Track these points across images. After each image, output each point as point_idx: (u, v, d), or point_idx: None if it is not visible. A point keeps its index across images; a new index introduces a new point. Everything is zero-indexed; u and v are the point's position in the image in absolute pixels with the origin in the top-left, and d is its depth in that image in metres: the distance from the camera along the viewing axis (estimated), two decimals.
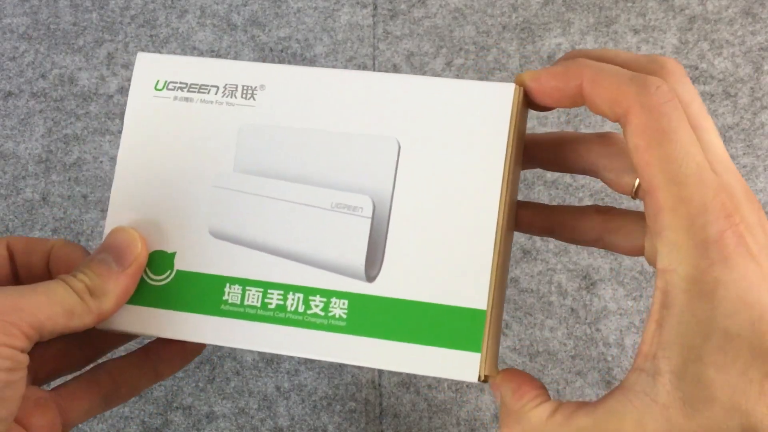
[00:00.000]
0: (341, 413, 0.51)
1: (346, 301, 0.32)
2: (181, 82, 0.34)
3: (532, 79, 0.29)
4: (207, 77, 0.34)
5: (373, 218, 0.32)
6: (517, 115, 0.30)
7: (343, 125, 0.33)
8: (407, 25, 0.57)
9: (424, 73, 0.56)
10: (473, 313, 0.31)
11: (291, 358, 0.49)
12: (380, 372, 0.52)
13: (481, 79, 0.56)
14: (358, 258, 0.32)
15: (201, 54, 0.58)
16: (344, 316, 0.32)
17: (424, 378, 0.52)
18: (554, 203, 0.54)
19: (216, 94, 0.33)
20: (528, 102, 0.30)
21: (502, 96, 0.31)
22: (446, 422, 0.51)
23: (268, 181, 0.33)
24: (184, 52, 0.58)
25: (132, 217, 0.33)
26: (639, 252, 0.30)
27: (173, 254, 0.33)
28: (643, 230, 0.30)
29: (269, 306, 0.32)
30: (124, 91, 0.58)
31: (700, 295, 0.23)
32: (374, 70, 0.56)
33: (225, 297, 0.33)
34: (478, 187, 0.31)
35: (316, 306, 0.32)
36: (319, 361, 0.50)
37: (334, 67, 0.56)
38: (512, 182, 0.31)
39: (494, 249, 0.31)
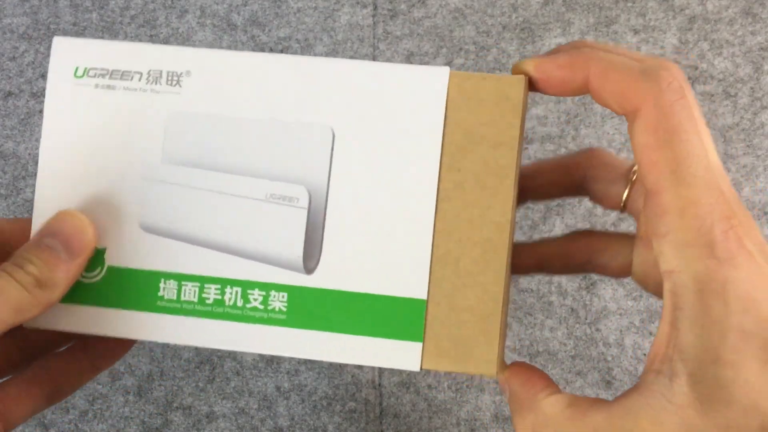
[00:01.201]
0: (341, 413, 0.51)
1: (286, 294, 0.31)
2: (102, 68, 0.32)
3: (536, 70, 0.28)
4: (129, 63, 0.32)
5: (309, 209, 0.32)
6: (523, 105, 0.29)
7: (275, 112, 0.32)
8: (407, 25, 0.57)
9: None
10: (413, 303, 0.31)
11: (291, 358, 0.49)
12: (380, 372, 0.52)
13: None
14: (295, 250, 0.31)
15: None
16: (284, 309, 0.32)
17: (424, 378, 0.52)
18: (546, 211, 0.54)
19: (140, 81, 0.32)
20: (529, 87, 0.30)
21: (437, 80, 0.30)
22: (446, 422, 0.51)
23: (198, 171, 0.32)
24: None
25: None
26: (626, 272, 0.31)
27: (104, 250, 0.32)
28: (629, 249, 0.30)
29: (207, 301, 0.32)
30: None
31: (712, 295, 0.23)
32: None
33: (161, 293, 0.32)
34: (415, 174, 0.31)
35: (255, 300, 0.32)
36: (320, 361, 0.50)
37: None
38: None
39: (432, 238, 0.30)
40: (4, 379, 0.32)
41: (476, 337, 0.30)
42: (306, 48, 0.56)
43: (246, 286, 0.32)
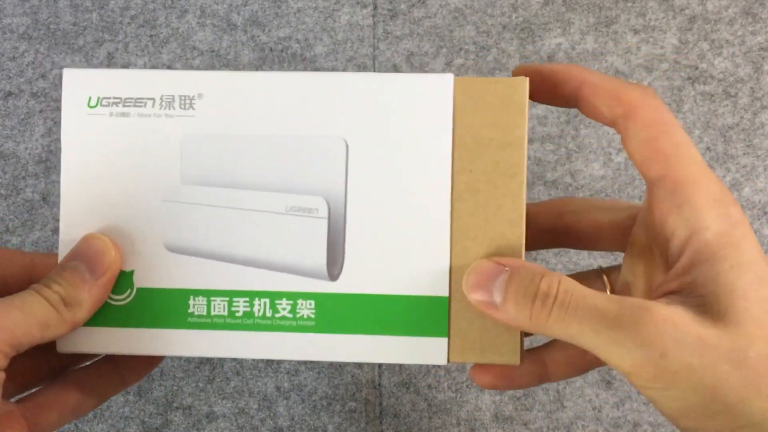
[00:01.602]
0: (341, 413, 0.51)
1: (313, 302, 0.33)
2: (114, 97, 0.33)
3: (534, 72, 0.31)
4: (141, 90, 0.33)
5: (329, 218, 0.33)
6: (527, 105, 0.31)
7: (288, 128, 0.33)
8: (407, 25, 0.57)
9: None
10: (437, 301, 0.32)
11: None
12: (380, 372, 0.52)
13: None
14: (319, 259, 0.32)
15: (201, 54, 0.58)
16: (312, 316, 0.33)
17: (425, 378, 0.52)
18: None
19: (153, 106, 0.33)
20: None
21: (443, 87, 0.32)
22: (446, 422, 0.51)
23: (218, 190, 0.33)
24: (184, 52, 0.58)
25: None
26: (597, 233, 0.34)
27: (131, 272, 0.33)
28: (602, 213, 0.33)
29: (236, 314, 0.33)
30: None
31: (737, 245, 0.26)
32: (374, 70, 0.56)
33: (190, 309, 0.33)
34: (429, 177, 0.32)
35: (284, 309, 0.33)
36: (318, 361, 0.50)
37: (334, 67, 0.56)
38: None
39: (450, 237, 0.32)
40: (35, 389, 0.33)
41: (498, 328, 0.31)
42: (306, 48, 0.56)
43: (274, 296, 0.33)
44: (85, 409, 0.33)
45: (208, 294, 0.33)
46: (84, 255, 0.31)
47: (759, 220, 0.53)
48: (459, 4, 0.58)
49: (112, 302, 0.33)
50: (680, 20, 0.58)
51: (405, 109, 0.32)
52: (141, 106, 0.33)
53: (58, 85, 0.58)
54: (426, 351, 0.32)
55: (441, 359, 0.32)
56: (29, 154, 0.56)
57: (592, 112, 0.29)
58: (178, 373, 0.49)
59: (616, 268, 0.34)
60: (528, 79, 0.30)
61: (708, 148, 0.55)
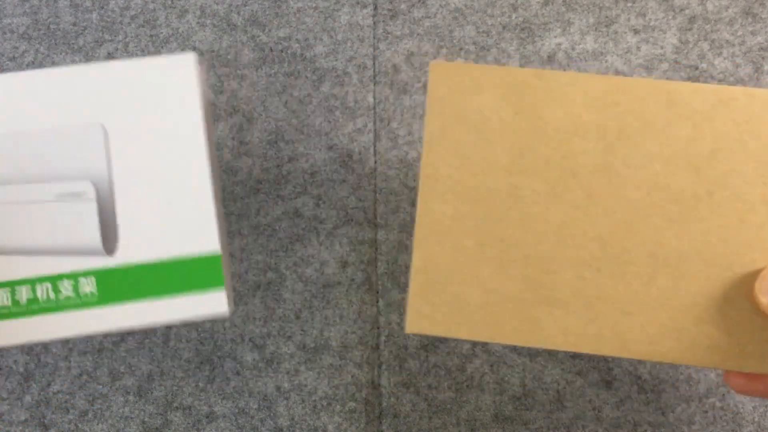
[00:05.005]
0: (341, 413, 0.51)
1: (93, 278, 0.35)
2: None
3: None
4: None
5: (98, 199, 0.35)
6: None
7: (49, 121, 0.35)
8: (407, 25, 0.57)
9: (424, 73, 0.56)
10: (209, 258, 0.36)
11: (291, 358, 0.49)
12: (380, 372, 0.52)
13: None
14: (93, 237, 0.35)
15: (201, 54, 0.58)
16: (95, 291, 0.35)
17: (425, 378, 0.52)
18: None
19: None
20: None
21: (185, 65, 0.36)
22: (446, 422, 0.51)
23: None
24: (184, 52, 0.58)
25: None
26: None
27: None
28: None
29: (20, 302, 0.34)
30: None
31: None
32: (374, 70, 0.56)
33: None
34: (187, 148, 0.35)
35: (66, 289, 0.35)
36: (319, 361, 0.50)
37: (334, 67, 0.56)
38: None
39: (214, 200, 0.35)
40: None
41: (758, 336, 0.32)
42: (306, 48, 0.56)
43: (55, 279, 0.35)
44: None
45: None
46: None
47: None
48: (459, 4, 0.58)
49: None
50: (680, 20, 0.58)
51: (156, 90, 0.35)
52: None
53: None
54: (207, 304, 0.36)
55: (222, 308, 0.36)
56: None
57: None
58: (178, 373, 0.49)
59: None
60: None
61: None
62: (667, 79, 0.56)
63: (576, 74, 0.30)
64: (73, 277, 0.35)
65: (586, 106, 0.30)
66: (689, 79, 0.56)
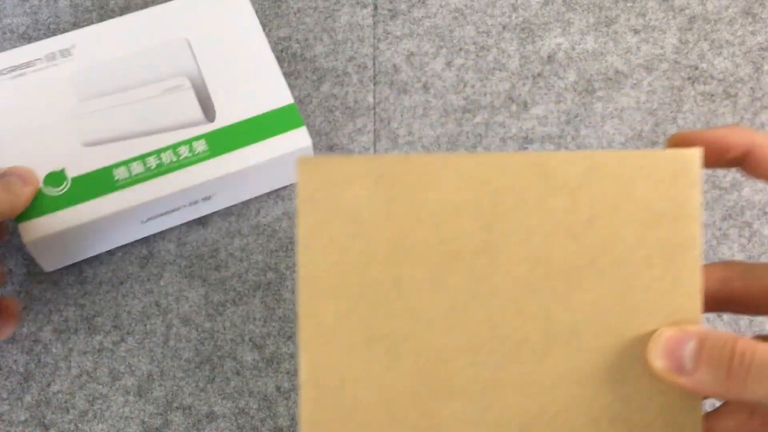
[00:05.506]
0: None
1: (204, 139, 0.47)
2: (10, 67, 0.48)
3: (698, 138, 0.31)
4: (29, 56, 0.48)
5: (194, 87, 0.48)
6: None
7: (143, 46, 0.49)
8: (407, 25, 0.57)
9: (424, 73, 0.56)
10: (287, 107, 0.48)
11: (291, 358, 0.49)
12: None
13: (480, 79, 0.56)
14: (197, 113, 0.48)
15: None
16: (206, 149, 0.47)
17: None
18: None
19: (40, 63, 0.48)
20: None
21: None
22: None
23: (110, 96, 0.48)
24: None
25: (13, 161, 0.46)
26: None
27: (63, 169, 0.46)
28: None
29: (151, 168, 0.46)
30: None
31: None
32: (374, 70, 0.56)
33: (116, 178, 0.46)
34: (246, 34, 0.50)
35: (184, 151, 0.46)
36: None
37: (334, 67, 0.56)
38: None
39: (279, 66, 0.50)
40: None
41: (675, 406, 0.31)
42: (306, 48, 0.56)
43: (175, 146, 0.47)
44: None
45: (127, 162, 0.46)
46: (15, 173, 0.44)
47: (759, 220, 0.53)
48: (459, 4, 0.58)
49: (52, 194, 0.45)
50: (680, 20, 0.58)
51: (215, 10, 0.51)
52: (32, 66, 0.48)
53: None
54: (292, 140, 0.47)
55: (306, 142, 0.48)
56: None
57: (764, 174, 0.29)
58: (178, 373, 0.49)
59: None
60: (702, 149, 0.29)
61: None
62: (667, 78, 0.56)
63: (444, 155, 0.29)
64: (188, 142, 0.47)
65: (458, 186, 0.29)
66: (689, 79, 0.56)
